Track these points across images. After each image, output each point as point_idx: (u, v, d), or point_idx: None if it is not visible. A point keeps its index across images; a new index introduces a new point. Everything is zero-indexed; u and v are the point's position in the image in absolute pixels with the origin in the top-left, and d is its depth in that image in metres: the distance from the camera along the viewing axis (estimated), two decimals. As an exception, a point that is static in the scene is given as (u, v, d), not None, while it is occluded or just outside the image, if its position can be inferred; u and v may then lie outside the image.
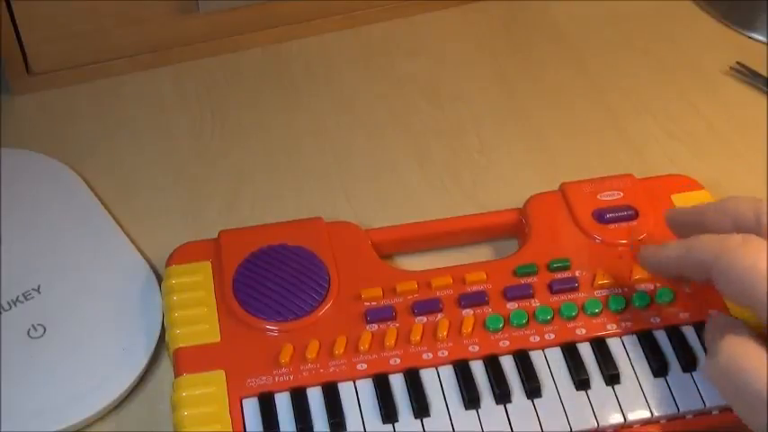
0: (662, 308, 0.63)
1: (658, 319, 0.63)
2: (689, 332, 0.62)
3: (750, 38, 0.85)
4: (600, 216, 0.68)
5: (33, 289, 0.65)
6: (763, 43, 0.84)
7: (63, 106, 0.79)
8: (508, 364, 0.61)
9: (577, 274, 0.65)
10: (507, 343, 0.62)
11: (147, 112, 0.79)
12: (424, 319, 0.63)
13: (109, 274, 0.67)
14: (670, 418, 0.60)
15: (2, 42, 0.76)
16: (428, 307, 0.63)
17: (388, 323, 0.62)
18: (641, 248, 0.62)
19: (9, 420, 0.60)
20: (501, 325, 0.62)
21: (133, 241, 0.69)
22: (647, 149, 0.77)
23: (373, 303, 0.63)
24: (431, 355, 0.61)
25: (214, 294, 0.64)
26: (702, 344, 0.62)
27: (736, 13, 0.86)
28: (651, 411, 0.59)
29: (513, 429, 0.58)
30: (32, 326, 0.64)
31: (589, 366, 0.61)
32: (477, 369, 0.61)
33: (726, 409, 0.60)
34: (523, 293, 0.64)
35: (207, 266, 0.65)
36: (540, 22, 0.86)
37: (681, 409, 0.59)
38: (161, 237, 0.69)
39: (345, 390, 0.60)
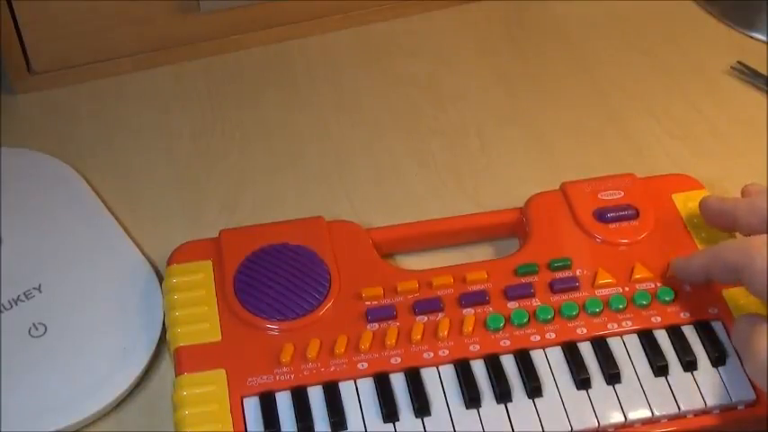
0: (663, 307, 0.63)
1: (659, 319, 0.63)
2: (689, 331, 0.62)
3: (750, 37, 0.85)
4: (601, 215, 0.67)
5: (34, 288, 0.65)
6: (764, 43, 0.84)
7: (64, 105, 0.79)
8: (509, 363, 0.61)
9: (578, 273, 0.65)
10: (508, 342, 0.62)
11: (148, 111, 0.79)
12: (425, 318, 0.63)
13: (110, 273, 0.67)
14: (671, 418, 0.60)
15: (3, 41, 0.76)
16: (429, 306, 0.63)
17: (389, 322, 0.62)
18: (671, 260, 0.64)
19: (9, 420, 0.60)
20: (502, 324, 0.62)
21: (134, 240, 0.69)
22: (648, 149, 0.77)
23: (374, 302, 0.63)
24: (432, 355, 0.61)
25: (215, 293, 0.64)
26: (704, 343, 0.62)
27: (736, 13, 0.86)
28: (652, 411, 0.59)
29: (514, 429, 0.58)
30: (33, 325, 0.64)
31: (590, 366, 0.61)
32: (478, 368, 0.61)
33: (726, 409, 0.60)
34: (524, 293, 0.64)
35: (208, 265, 0.65)
36: (540, 22, 0.86)
37: (681, 409, 0.59)
38: (162, 236, 0.69)
39: (346, 389, 0.60)
